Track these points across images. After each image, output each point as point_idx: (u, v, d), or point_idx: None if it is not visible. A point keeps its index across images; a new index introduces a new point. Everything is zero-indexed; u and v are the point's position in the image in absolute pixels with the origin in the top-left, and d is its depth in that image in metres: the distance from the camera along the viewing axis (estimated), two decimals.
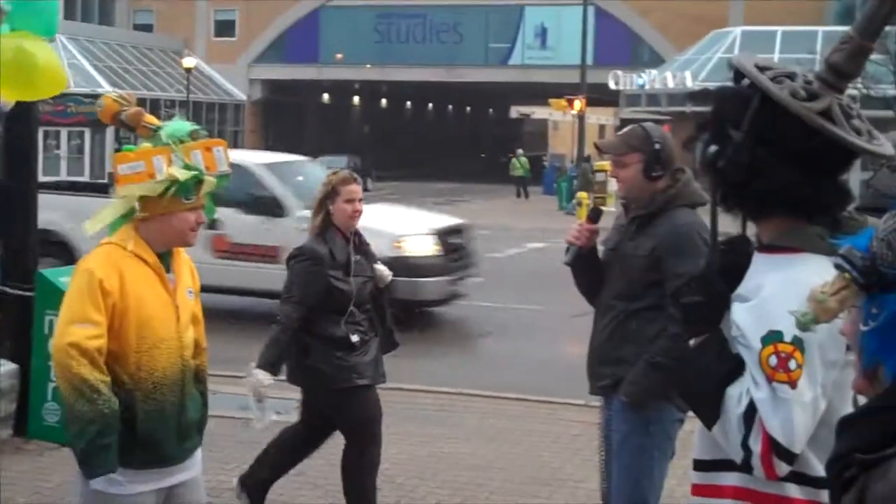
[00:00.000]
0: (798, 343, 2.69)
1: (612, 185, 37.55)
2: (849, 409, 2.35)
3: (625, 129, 4.89)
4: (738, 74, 2.88)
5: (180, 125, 4.16)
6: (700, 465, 2.98)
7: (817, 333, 2.44)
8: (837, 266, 1.83)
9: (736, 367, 2.78)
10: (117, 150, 4.23)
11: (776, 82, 2.75)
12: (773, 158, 2.76)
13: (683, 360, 2.91)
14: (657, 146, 4.67)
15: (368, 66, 58.77)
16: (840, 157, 2.80)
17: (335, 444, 6.31)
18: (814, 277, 2.25)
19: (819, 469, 2.72)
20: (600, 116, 67.88)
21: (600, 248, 4.93)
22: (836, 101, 2.75)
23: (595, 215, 4.92)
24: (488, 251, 23.75)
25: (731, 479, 2.89)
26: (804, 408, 2.71)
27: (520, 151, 49.05)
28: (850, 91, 2.87)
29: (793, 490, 2.80)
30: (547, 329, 14.12)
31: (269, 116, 62.00)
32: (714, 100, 2.93)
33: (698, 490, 2.99)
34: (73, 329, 3.84)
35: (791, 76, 2.79)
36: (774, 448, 2.71)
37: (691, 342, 2.87)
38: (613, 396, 4.77)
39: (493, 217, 34.33)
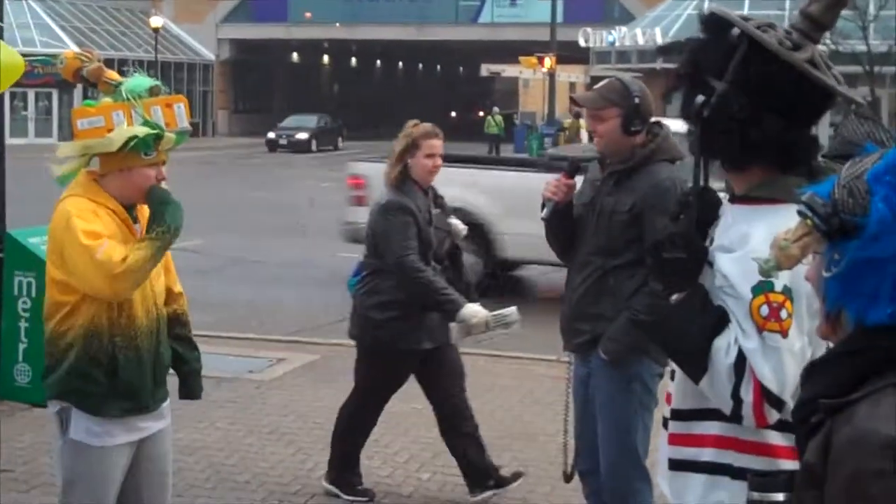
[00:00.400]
0: (788, 293, 2.72)
1: (583, 142, 37.54)
2: None
3: (602, 83, 4.78)
4: (712, 26, 2.86)
5: (140, 81, 4.14)
6: (678, 415, 2.99)
7: (806, 284, 2.46)
8: (800, 213, 1.84)
9: (721, 320, 2.79)
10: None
11: (762, 32, 2.75)
12: (759, 108, 2.76)
13: (668, 315, 2.89)
14: (636, 100, 4.59)
15: (337, 24, 58.36)
16: (820, 106, 2.81)
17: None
18: None
19: None
20: (570, 74, 67.67)
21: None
22: (815, 51, 2.77)
23: (573, 170, 4.78)
24: None
25: (712, 428, 2.90)
26: (794, 356, 2.75)
27: (496, 109, 48.92)
28: (819, 47, 2.87)
29: (774, 437, 2.83)
30: (517, 284, 14.15)
31: (238, 76, 61.55)
32: (691, 51, 2.91)
33: (677, 440, 2.99)
34: (99, 259, 3.83)
35: (772, 26, 2.79)
36: (766, 396, 2.74)
37: (672, 297, 2.87)
38: (592, 353, 4.72)
39: None
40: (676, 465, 3.00)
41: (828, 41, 31.02)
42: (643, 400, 4.71)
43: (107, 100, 4.08)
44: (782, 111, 2.77)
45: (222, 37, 59.76)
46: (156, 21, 51.03)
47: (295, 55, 65.80)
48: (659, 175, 4.59)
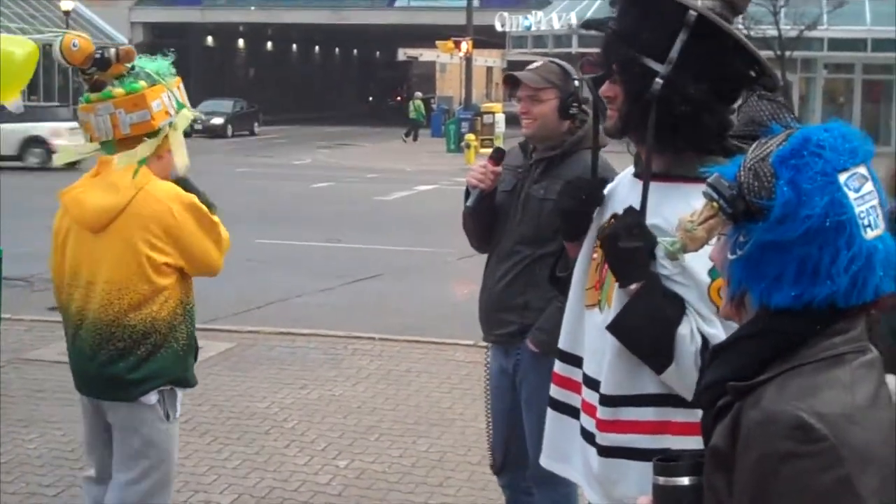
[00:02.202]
0: None
1: (499, 128, 37.59)
2: None
3: (535, 64, 4.61)
4: (644, 5, 2.79)
5: (160, 63, 4.22)
6: (609, 401, 2.91)
7: None
8: (705, 194, 1.83)
9: (682, 307, 2.75)
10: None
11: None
12: (702, 89, 2.72)
13: (631, 307, 2.80)
14: (576, 84, 4.47)
15: (253, 8, 57.81)
16: (743, 86, 2.78)
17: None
18: None
19: None
20: (487, 59, 67.90)
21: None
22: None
23: (499, 156, 4.59)
24: (376, 194, 23.74)
25: (646, 414, 2.86)
26: None
27: (417, 94, 48.83)
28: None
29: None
30: (435, 270, 14.17)
31: None
32: (624, 31, 2.82)
33: (608, 426, 2.92)
34: (225, 236, 4.20)
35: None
36: None
37: (631, 287, 2.79)
38: (517, 344, 4.58)
39: (381, 160, 34.25)
40: (609, 451, 2.94)
41: (740, 25, 31.48)
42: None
43: (119, 90, 4.06)
44: (724, 94, 2.76)
45: (135, 20, 58.84)
46: (66, 4, 50.02)
47: (210, 39, 65.05)
48: (587, 163, 4.46)
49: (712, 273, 2.68)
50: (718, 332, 2.70)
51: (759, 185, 1.77)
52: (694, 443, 2.72)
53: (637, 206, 2.81)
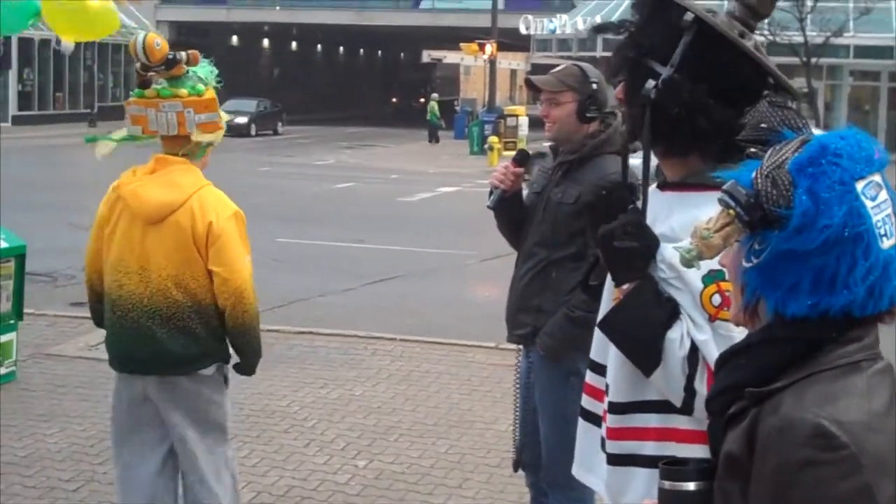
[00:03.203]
0: None
1: (523, 130, 37.49)
2: None
3: (558, 68, 4.64)
4: (652, 8, 2.78)
5: (208, 68, 4.57)
6: (615, 409, 2.91)
7: None
8: (721, 202, 1.82)
9: (673, 311, 2.73)
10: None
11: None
12: (706, 95, 2.70)
13: (621, 307, 2.80)
14: (594, 86, 4.49)
15: (278, 7, 57.95)
16: (758, 95, 2.76)
17: None
18: None
19: None
20: (511, 61, 67.83)
21: (525, 193, 4.74)
22: (756, 40, 2.75)
23: (521, 158, 4.67)
24: (399, 195, 23.75)
25: (651, 420, 2.85)
26: None
27: (434, 96, 48.80)
28: (757, 37, 2.85)
29: None
30: (457, 272, 14.18)
31: None
32: (632, 33, 2.83)
33: (616, 434, 2.91)
34: (247, 261, 4.44)
35: (713, 13, 2.76)
36: None
37: (625, 288, 2.78)
38: (532, 346, 4.63)
39: (404, 162, 34.26)
40: (617, 459, 2.93)
41: (765, 31, 31.40)
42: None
43: (183, 90, 4.39)
44: (728, 99, 2.75)
45: (161, 19, 58.95)
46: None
47: (235, 38, 65.20)
48: (606, 168, 4.43)
49: (706, 279, 2.68)
50: (708, 340, 2.68)
51: (777, 194, 1.76)
52: (700, 451, 2.71)
53: (681, 218, 2.78)
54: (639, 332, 2.76)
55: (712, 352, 2.64)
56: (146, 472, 4.52)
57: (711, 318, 2.68)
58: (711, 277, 2.66)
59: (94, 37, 5.87)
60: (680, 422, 2.81)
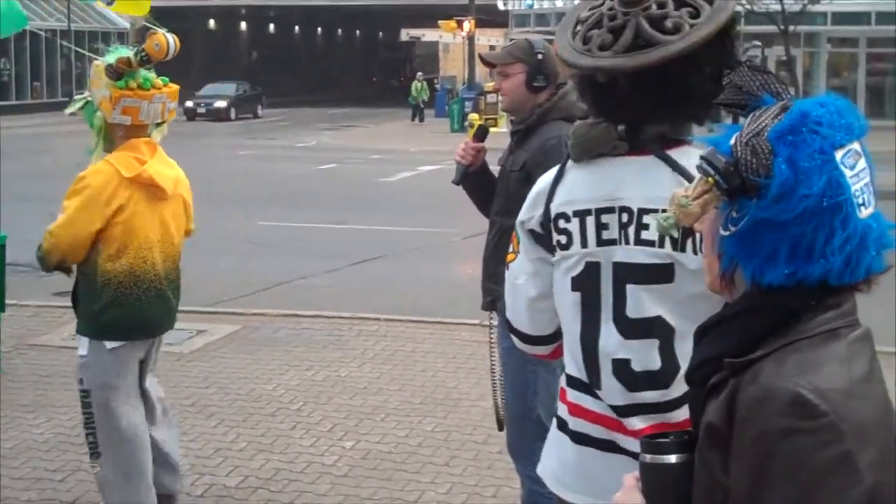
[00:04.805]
0: (517, 227, 3.00)
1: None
2: None
3: (510, 41, 4.82)
4: None
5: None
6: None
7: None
8: (700, 168, 1.80)
9: None
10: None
11: None
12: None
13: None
14: (539, 56, 4.62)
15: None
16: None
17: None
18: None
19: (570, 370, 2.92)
20: (490, 38, 67.60)
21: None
22: None
23: (482, 134, 4.86)
24: (380, 175, 23.72)
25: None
26: (514, 289, 3.06)
27: (419, 75, 48.67)
28: (735, 6, 2.83)
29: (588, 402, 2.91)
30: (439, 250, 14.18)
31: None
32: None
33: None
34: None
35: None
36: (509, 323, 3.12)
37: None
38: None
39: (386, 141, 34.21)
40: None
41: (743, 1, 31.33)
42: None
43: (158, 81, 4.83)
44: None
45: None
46: None
47: (212, 22, 64.93)
48: (548, 133, 4.57)
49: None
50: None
51: (756, 163, 1.75)
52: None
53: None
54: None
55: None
56: (146, 428, 4.95)
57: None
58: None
59: (143, 11, 6.39)
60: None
